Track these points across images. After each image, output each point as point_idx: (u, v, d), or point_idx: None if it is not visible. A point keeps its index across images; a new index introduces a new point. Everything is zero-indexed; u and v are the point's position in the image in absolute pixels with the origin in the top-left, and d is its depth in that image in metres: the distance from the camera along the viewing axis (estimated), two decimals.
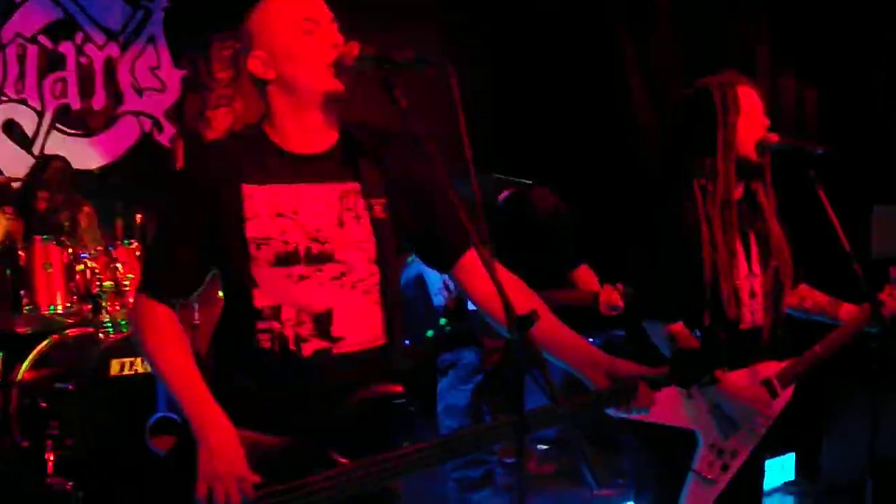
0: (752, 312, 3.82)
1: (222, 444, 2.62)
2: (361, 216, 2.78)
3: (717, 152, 3.75)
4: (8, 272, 5.77)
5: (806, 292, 4.05)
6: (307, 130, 2.78)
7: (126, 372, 5.55)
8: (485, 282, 2.83)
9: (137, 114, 7.92)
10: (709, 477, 3.70)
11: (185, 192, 2.76)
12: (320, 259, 2.74)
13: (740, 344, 3.73)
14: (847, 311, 4.00)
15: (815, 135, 3.79)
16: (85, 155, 7.45)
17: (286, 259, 2.71)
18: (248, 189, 2.71)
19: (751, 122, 3.77)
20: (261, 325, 2.70)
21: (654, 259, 3.77)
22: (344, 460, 2.67)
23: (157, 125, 7.99)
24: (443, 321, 5.51)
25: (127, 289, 5.86)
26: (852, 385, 4.03)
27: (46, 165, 6.55)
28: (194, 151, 2.91)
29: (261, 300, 2.70)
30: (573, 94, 6.26)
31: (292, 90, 2.74)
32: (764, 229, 3.86)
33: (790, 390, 3.85)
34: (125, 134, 7.87)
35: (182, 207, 2.76)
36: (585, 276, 5.70)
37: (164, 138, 8.02)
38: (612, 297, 5.25)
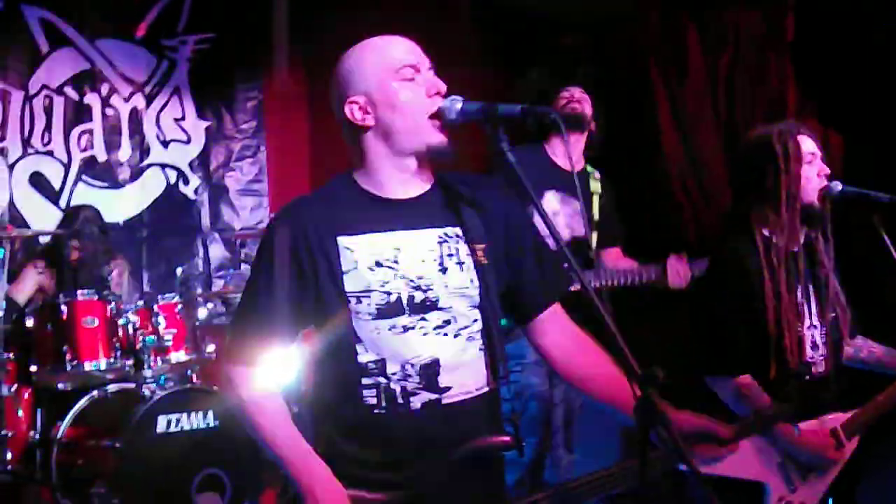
0: (816, 363, 3.80)
1: (331, 498, 2.56)
2: (464, 261, 2.72)
3: (779, 202, 3.74)
4: (49, 327, 5.68)
5: (861, 343, 4.05)
6: (404, 176, 2.72)
7: (172, 429, 5.48)
8: (563, 340, 2.90)
9: (163, 165, 7.87)
10: None
11: (277, 251, 2.67)
12: (424, 308, 2.66)
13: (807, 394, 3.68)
14: None
15: (841, 179, 3.82)
16: (111, 207, 7.34)
17: (389, 310, 2.64)
18: (344, 241, 2.65)
19: (812, 170, 3.77)
20: (366, 380, 2.64)
21: (718, 313, 3.74)
22: None
23: (183, 176, 7.93)
24: None
25: (168, 343, 5.80)
26: (890, 430, 4.00)
27: (76, 215, 6.48)
28: (284, 208, 2.80)
29: (364, 355, 2.64)
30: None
31: (391, 139, 2.68)
32: (823, 279, 3.85)
33: (855, 441, 3.81)
34: (151, 186, 7.81)
35: (276, 269, 2.67)
36: (615, 257, 5.48)
37: (189, 190, 7.97)
38: (680, 267, 5.08)
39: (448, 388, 2.67)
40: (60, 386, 5.85)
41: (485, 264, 2.73)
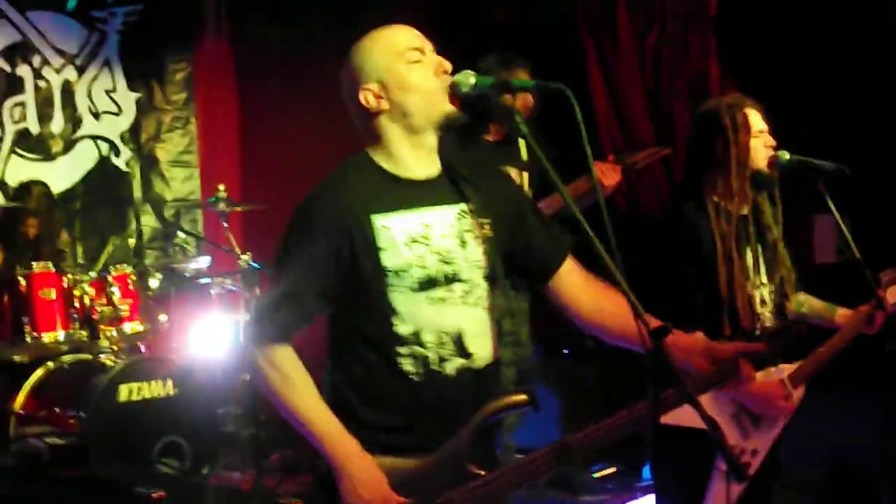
0: (764, 320, 3.99)
1: (363, 471, 2.68)
2: (477, 235, 2.86)
3: (730, 170, 3.93)
4: (6, 300, 5.70)
5: (803, 299, 4.26)
6: (420, 156, 2.85)
7: (134, 397, 5.56)
8: (583, 291, 3.03)
9: (95, 137, 7.84)
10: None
11: (314, 231, 2.76)
12: (451, 280, 2.80)
13: None
14: (842, 315, 4.22)
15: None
16: (44, 179, 7.24)
17: (426, 283, 2.77)
18: (379, 219, 2.76)
19: (759, 140, 3.98)
20: (402, 349, 2.76)
21: (674, 275, 3.92)
22: (481, 472, 2.75)
23: (114, 148, 7.92)
24: None
25: (124, 314, 5.87)
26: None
27: (29, 191, 6.47)
28: (318, 190, 2.82)
29: (402, 327, 2.76)
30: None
31: (407, 118, 2.80)
32: (770, 241, 4.06)
33: (801, 390, 4.04)
34: (83, 158, 7.79)
35: (312, 247, 2.75)
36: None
37: (121, 161, 7.96)
38: (606, 166, 5.24)
39: (472, 355, 2.83)
40: (17, 358, 5.87)
41: (490, 237, 2.89)
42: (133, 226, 7.84)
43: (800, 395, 4.04)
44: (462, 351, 2.81)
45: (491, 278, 2.89)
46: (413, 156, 2.85)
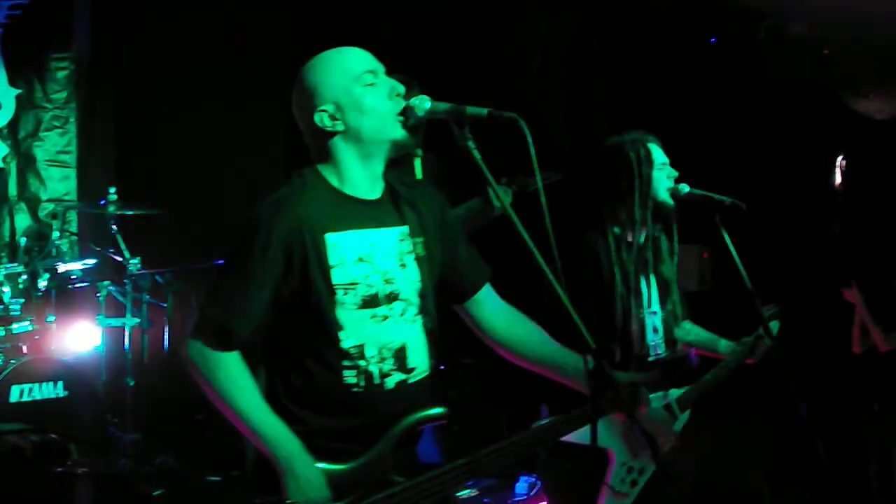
0: (656, 346, 4.22)
1: (307, 470, 2.80)
2: (414, 255, 3.02)
3: (633, 202, 4.13)
4: None
5: (689, 327, 4.51)
6: (371, 177, 2.97)
7: (25, 398, 5.51)
8: (501, 313, 3.28)
9: None
10: (620, 491, 4.04)
11: (270, 244, 2.81)
12: (392, 298, 2.94)
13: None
14: (725, 346, 4.48)
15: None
16: None
17: (370, 301, 2.90)
18: (331, 237, 2.86)
19: (661, 173, 4.19)
20: (346, 363, 2.88)
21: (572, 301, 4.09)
22: (401, 479, 2.91)
23: None
24: None
25: (16, 313, 5.79)
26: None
27: None
28: (273, 203, 2.85)
29: (346, 341, 2.87)
30: None
31: (360, 140, 2.90)
32: (663, 272, 4.29)
33: (687, 413, 4.27)
34: None
35: (266, 259, 2.81)
36: None
37: None
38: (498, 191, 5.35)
39: (413, 369, 2.99)
40: None
41: (423, 257, 3.04)
42: (7, 224, 7.68)
43: (685, 418, 4.26)
44: (403, 365, 2.96)
45: (424, 296, 3.04)
46: (363, 177, 2.95)
